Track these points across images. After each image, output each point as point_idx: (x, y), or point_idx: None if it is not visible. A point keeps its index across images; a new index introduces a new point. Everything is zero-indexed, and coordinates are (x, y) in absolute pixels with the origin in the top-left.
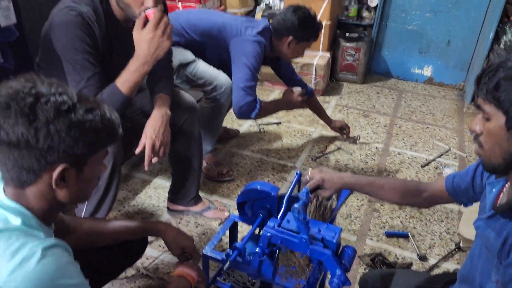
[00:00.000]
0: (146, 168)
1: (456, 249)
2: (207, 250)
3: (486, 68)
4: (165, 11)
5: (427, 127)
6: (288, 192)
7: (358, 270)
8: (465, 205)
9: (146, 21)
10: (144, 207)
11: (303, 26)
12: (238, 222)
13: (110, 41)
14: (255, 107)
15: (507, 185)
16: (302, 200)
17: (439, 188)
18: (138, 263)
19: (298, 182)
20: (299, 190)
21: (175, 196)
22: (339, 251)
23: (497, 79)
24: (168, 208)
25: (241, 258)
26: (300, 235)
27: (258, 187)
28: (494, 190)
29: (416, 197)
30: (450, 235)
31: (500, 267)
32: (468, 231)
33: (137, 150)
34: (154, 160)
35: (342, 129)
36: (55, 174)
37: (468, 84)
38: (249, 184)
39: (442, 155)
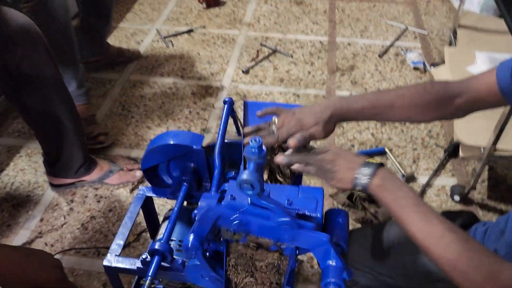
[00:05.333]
0: None
1: (447, 157)
2: (111, 259)
3: None
4: None
5: (374, 5)
6: (218, 142)
7: None
8: None
9: None
10: (16, 187)
11: None
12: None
13: None
14: None
15: None
16: (254, 161)
17: (484, 87)
18: None
19: (231, 114)
20: (238, 131)
21: (53, 168)
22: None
23: None
24: (51, 183)
25: (169, 263)
26: (276, 216)
27: (171, 141)
28: None
29: (444, 108)
30: (434, 139)
31: None
32: (469, 134)
33: None
34: None
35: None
36: None
37: None
38: (157, 139)
39: (399, 37)
